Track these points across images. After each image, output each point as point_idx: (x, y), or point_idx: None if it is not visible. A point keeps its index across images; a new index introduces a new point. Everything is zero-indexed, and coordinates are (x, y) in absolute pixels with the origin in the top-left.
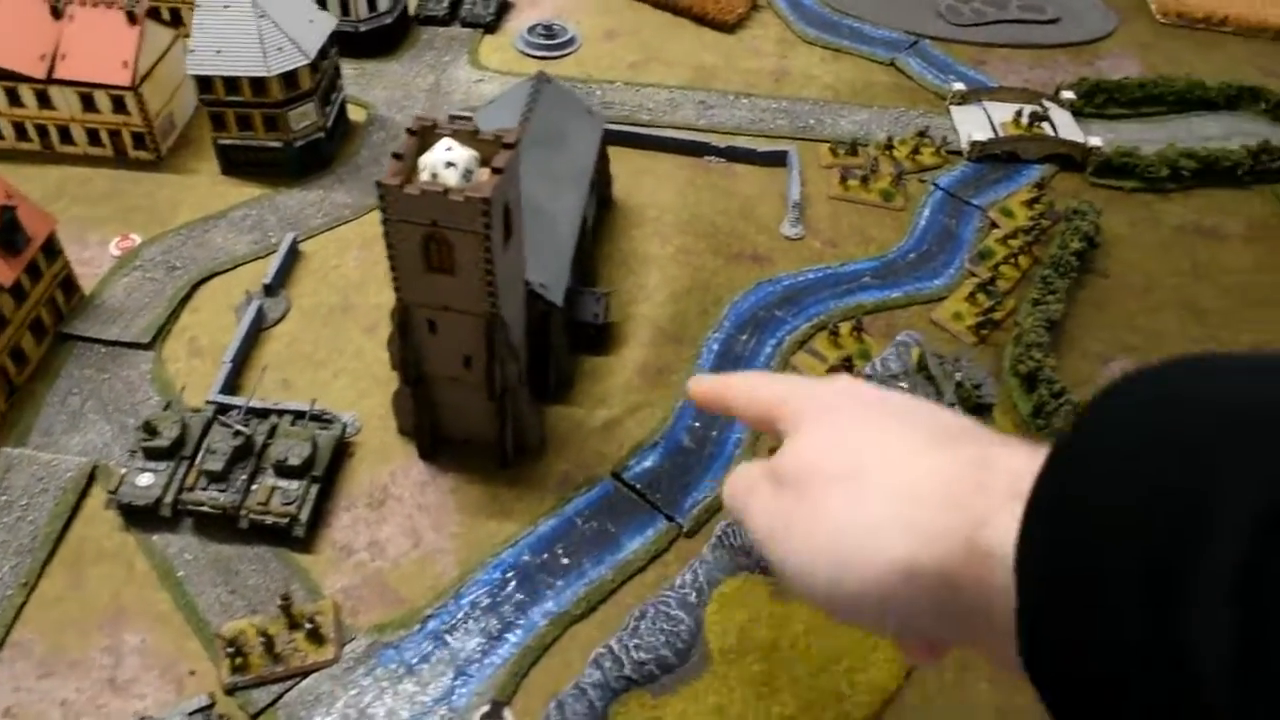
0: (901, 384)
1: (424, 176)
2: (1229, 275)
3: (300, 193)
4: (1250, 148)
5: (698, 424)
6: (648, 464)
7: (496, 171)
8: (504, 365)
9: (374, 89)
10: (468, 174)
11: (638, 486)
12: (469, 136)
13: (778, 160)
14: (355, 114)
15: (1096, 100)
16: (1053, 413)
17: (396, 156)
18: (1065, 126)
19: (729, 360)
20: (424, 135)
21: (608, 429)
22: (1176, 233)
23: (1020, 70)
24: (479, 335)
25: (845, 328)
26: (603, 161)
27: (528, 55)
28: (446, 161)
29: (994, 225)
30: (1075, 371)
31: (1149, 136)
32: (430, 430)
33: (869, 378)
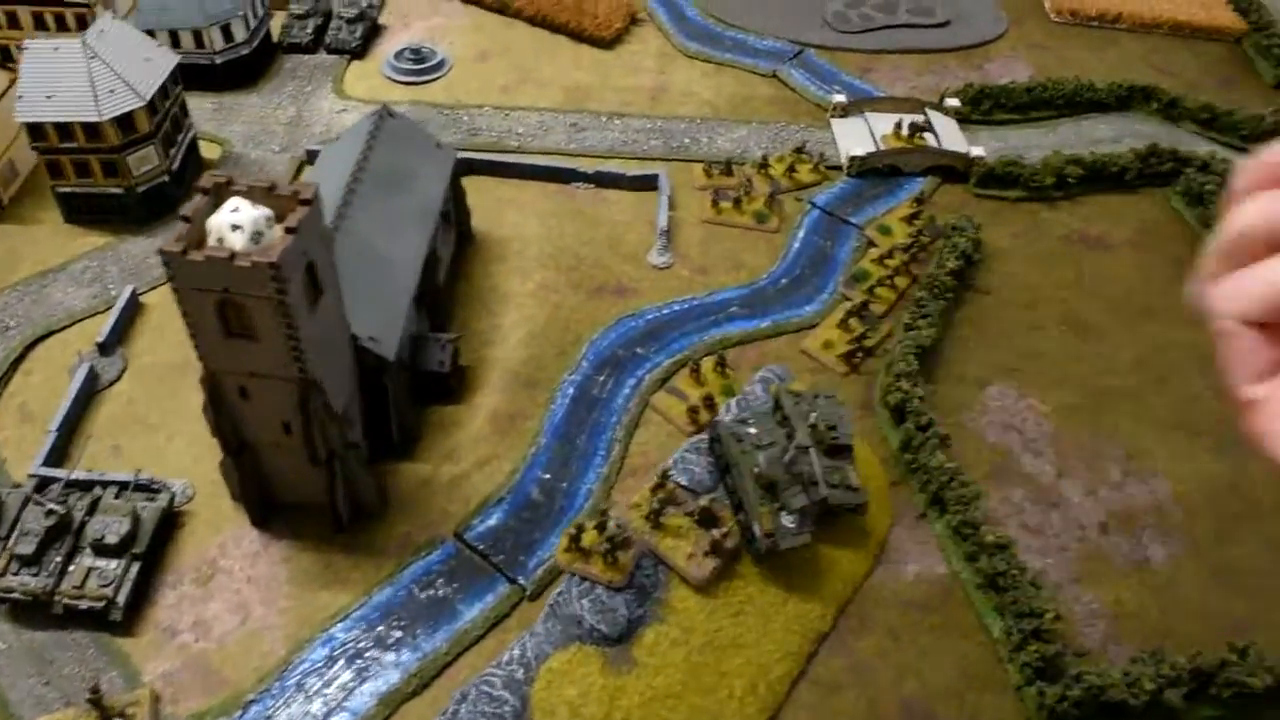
0: (750, 428)
1: (211, 240)
2: (1114, 285)
3: (145, 240)
4: (1138, 151)
5: (547, 475)
6: (492, 522)
7: (290, 231)
8: (324, 429)
9: (232, 124)
10: (257, 236)
11: (480, 547)
12: (263, 194)
13: (648, 184)
14: (210, 151)
15: (983, 106)
16: (920, 446)
17: (184, 219)
18: (949, 135)
19: (584, 404)
20: (218, 193)
21: (454, 485)
22: (1062, 243)
23: (908, 77)
24: (293, 400)
25: (708, 363)
26: (457, 196)
27: (395, 81)
28: (232, 224)
29: (871, 244)
30: (951, 398)
31: (1038, 142)
32: (261, 497)
33: (717, 423)
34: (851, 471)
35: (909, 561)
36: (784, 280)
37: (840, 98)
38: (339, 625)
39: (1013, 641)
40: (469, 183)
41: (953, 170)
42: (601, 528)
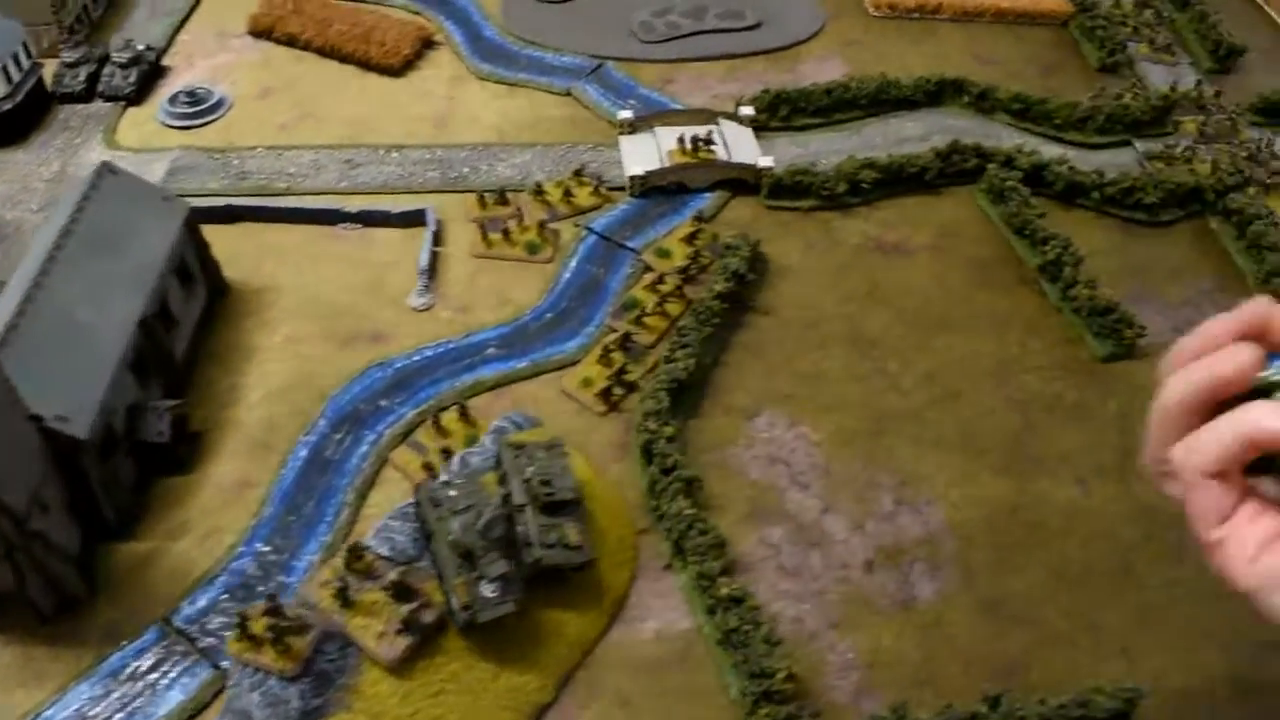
0: (451, 490)
1: None
2: (909, 296)
3: None
4: (939, 149)
5: (267, 548)
6: (202, 603)
7: None
8: None
9: None
10: None
11: (188, 631)
12: None
13: (417, 220)
14: None
15: (781, 112)
16: (663, 491)
17: None
18: (743, 146)
19: (317, 466)
20: None
21: (173, 564)
22: (856, 253)
23: (711, 86)
24: None
25: (450, 413)
26: (198, 249)
27: (170, 127)
28: None
29: (647, 269)
30: (714, 432)
31: (840, 146)
32: None
33: (419, 487)
34: (571, 528)
35: (649, 618)
36: (549, 315)
37: (627, 113)
38: None
39: (746, 704)
40: (231, 231)
41: (744, 183)
42: (273, 612)
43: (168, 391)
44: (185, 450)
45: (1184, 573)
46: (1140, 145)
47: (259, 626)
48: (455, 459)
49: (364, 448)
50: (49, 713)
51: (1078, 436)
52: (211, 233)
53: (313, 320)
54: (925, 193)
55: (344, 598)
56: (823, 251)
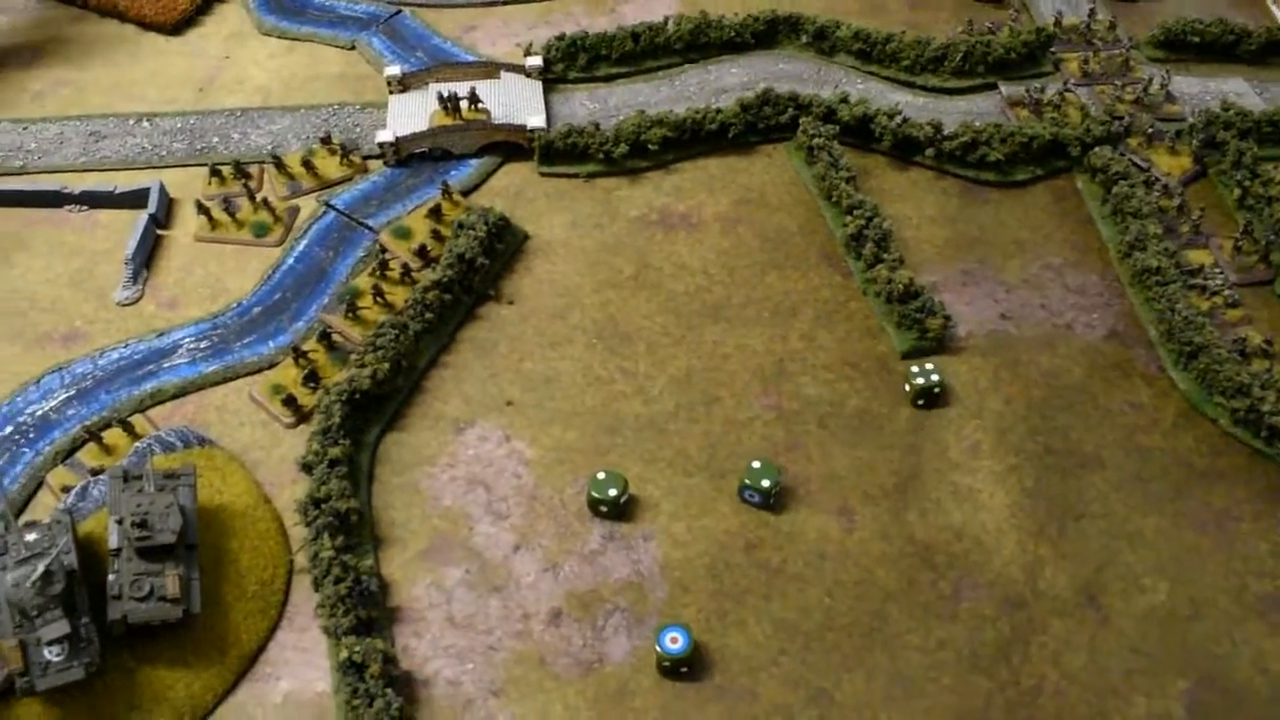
0: (31, 534)
1: None
2: (683, 279)
3: None
4: (745, 100)
5: None
6: None
7: None
8: None
9: None
10: None
11: None
12: None
13: (143, 200)
14: None
15: (579, 61)
16: (312, 524)
17: None
18: (521, 105)
19: None
20: None
21: None
22: (632, 228)
23: (517, 32)
24: None
25: (116, 428)
26: None
27: None
28: None
29: (383, 250)
30: (416, 449)
31: (647, 99)
32: None
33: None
34: (171, 577)
35: (283, 676)
36: (256, 309)
37: (394, 69)
38: None
39: None
40: None
41: (519, 148)
42: None
43: None
44: None
45: (953, 632)
46: (1005, 89)
47: None
48: (75, 489)
49: (19, 467)
50: None
51: (852, 454)
52: None
53: (3, 318)
54: (734, 153)
55: None
56: (594, 227)
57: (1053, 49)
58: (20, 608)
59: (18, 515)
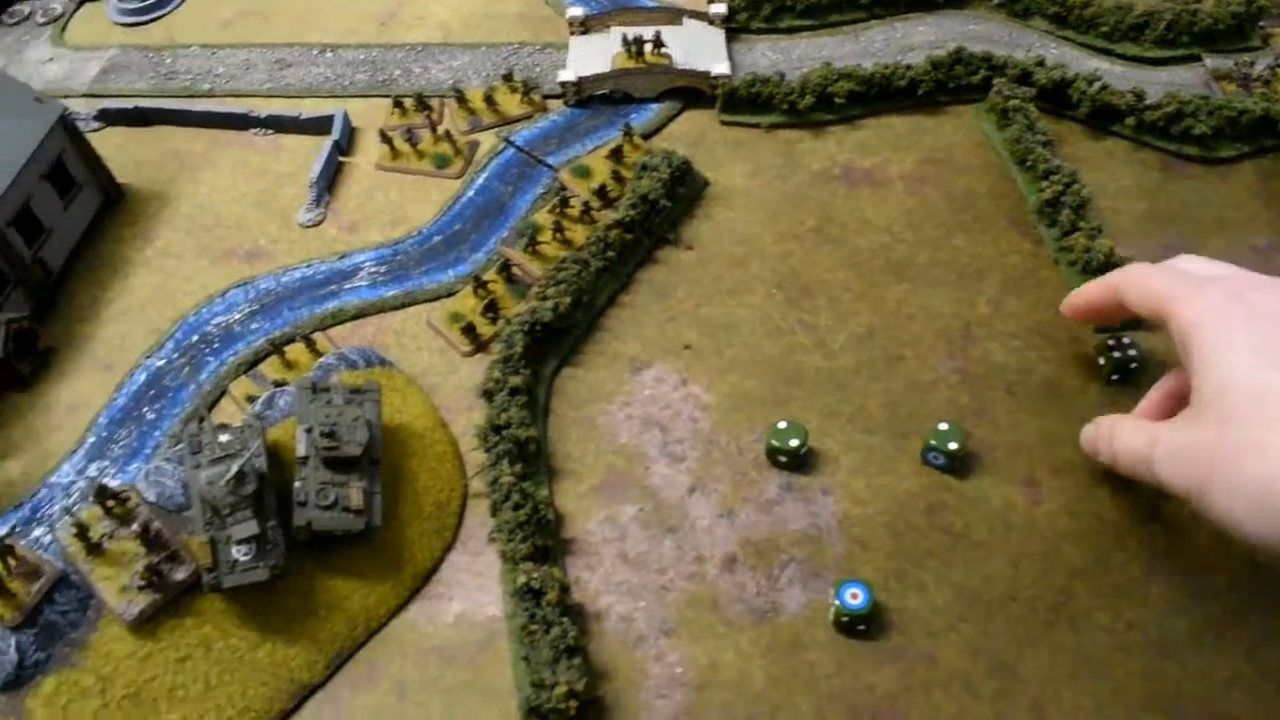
0: (224, 435)
1: None
2: (867, 234)
3: None
4: (937, 59)
5: (77, 477)
6: (3, 528)
7: None
8: None
9: None
10: None
11: None
12: None
13: (327, 127)
14: None
15: (763, 11)
16: (492, 449)
17: None
18: (705, 51)
19: (151, 394)
20: None
21: None
22: (815, 181)
23: None
24: None
25: (298, 343)
26: (85, 154)
27: (117, 23)
28: None
29: (562, 188)
30: (594, 385)
31: (832, 53)
32: None
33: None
34: (355, 489)
35: (455, 598)
36: (437, 238)
37: (577, 10)
38: None
39: (519, 718)
40: (144, 134)
41: (701, 94)
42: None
43: (36, 306)
44: (28, 367)
45: (1144, 615)
46: (1210, 61)
47: None
48: (262, 398)
49: (204, 374)
50: None
51: (1040, 425)
52: (122, 136)
53: (191, 233)
54: (921, 112)
55: (90, 544)
56: (775, 177)
57: (1261, 23)
58: (212, 505)
59: (200, 423)
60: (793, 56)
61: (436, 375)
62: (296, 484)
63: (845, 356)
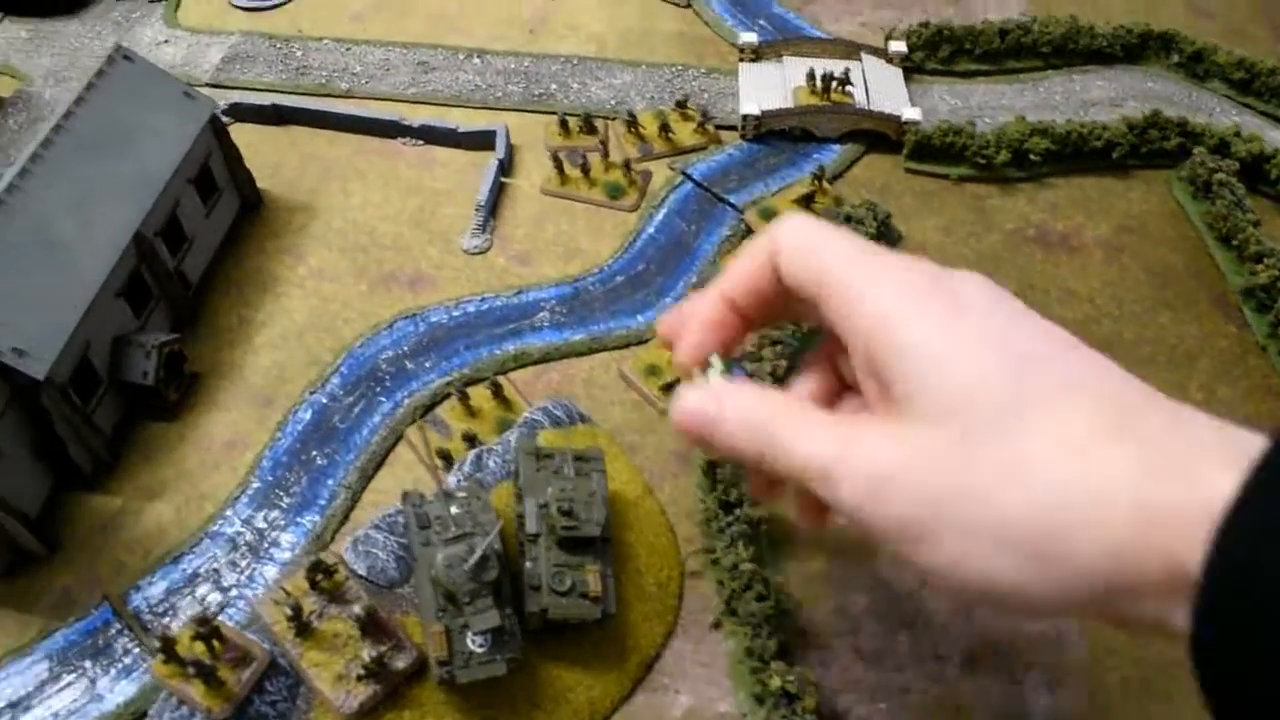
0: (453, 506)
1: None
2: (1071, 305)
3: None
4: (1133, 120)
5: (243, 529)
6: (159, 585)
7: None
8: None
9: (40, 55)
10: None
11: (141, 615)
12: None
13: (486, 142)
14: (4, 87)
15: (941, 53)
16: (721, 530)
17: None
18: (887, 91)
19: (321, 433)
20: None
21: (143, 528)
22: (1010, 241)
23: (860, 10)
24: None
25: (481, 388)
26: (228, 156)
27: (237, 7)
28: None
29: (749, 233)
30: None
31: (1011, 102)
32: None
33: (408, 495)
34: (593, 573)
35: (682, 689)
36: (620, 278)
37: (751, 37)
38: None
39: None
40: (278, 134)
41: (883, 137)
42: (206, 637)
43: (175, 321)
44: (175, 394)
45: None
46: None
47: (190, 649)
48: (468, 457)
49: (376, 418)
50: None
51: None
52: (254, 135)
53: (346, 252)
54: (1109, 174)
55: (300, 624)
56: (969, 234)
57: None
58: (448, 591)
59: (374, 473)
60: (971, 103)
61: (634, 433)
62: (528, 565)
63: None
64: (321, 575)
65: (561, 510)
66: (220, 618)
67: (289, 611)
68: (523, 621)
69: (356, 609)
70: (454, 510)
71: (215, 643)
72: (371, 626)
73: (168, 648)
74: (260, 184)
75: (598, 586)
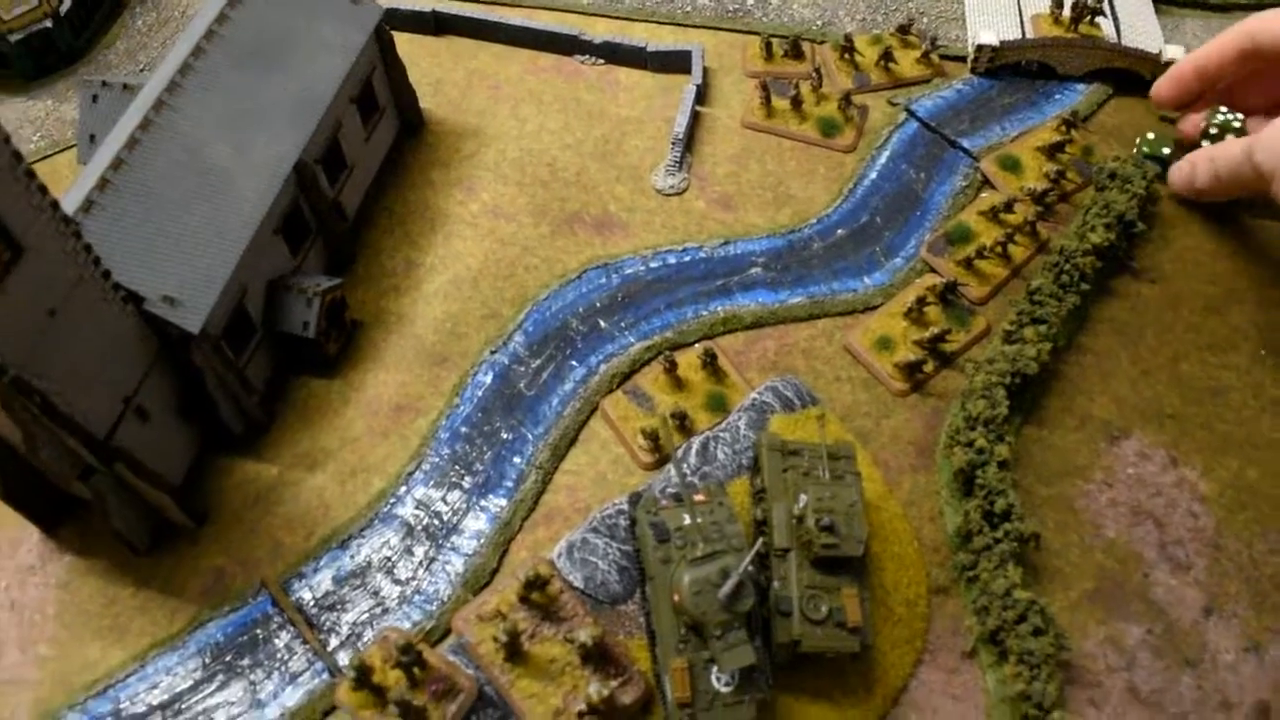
0: (684, 514)
1: None
2: None
3: (24, 103)
4: None
5: (420, 511)
6: (327, 575)
7: None
8: (52, 442)
9: None
10: None
11: (306, 609)
12: None
13: (678, 64)
14: None
15: None
16: (986, 547)
17: None
18: (1136, 22)
19: (503, 399)
20: None
21: (303, 503)
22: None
23: None
24: None
25: (690, 357)
26: (390, 72)
27: None
28: None
29: (986, 184)
30: (1059, 452)
31: None
32: (44, 494)
33: (640, 494)
34: (852, 598)
35: None
36: (841, 231)
37: None
38: (96, 699)
39: None
40: (435, 46)
41: (1134, 77)
42: (408, 666)
43: (330, 261)
44: (335, 346)
45: None
46: None
47: (390, 678)
48: (693, 443)
49: (569, 385)
50: (120, 687)
51: None
52: (412, 46)
53: (523, 186)
54: None
55: (512, 649)
56: (1233, 201)
57: None
58: (696, 621)
59: (566, 450)
60: None
61: (865, 418)
62: (775, 585)
63: None
64: (534, 587)
65: (820, 525)
66: (397, 624)
67: (503, 636)
68: (770, 654)
69: (583, 636)
70: (697, 520)
71: (418, 671)
72: (597, 656)
73: (363, 675)
74: (421, 104)
75: (856, 614)
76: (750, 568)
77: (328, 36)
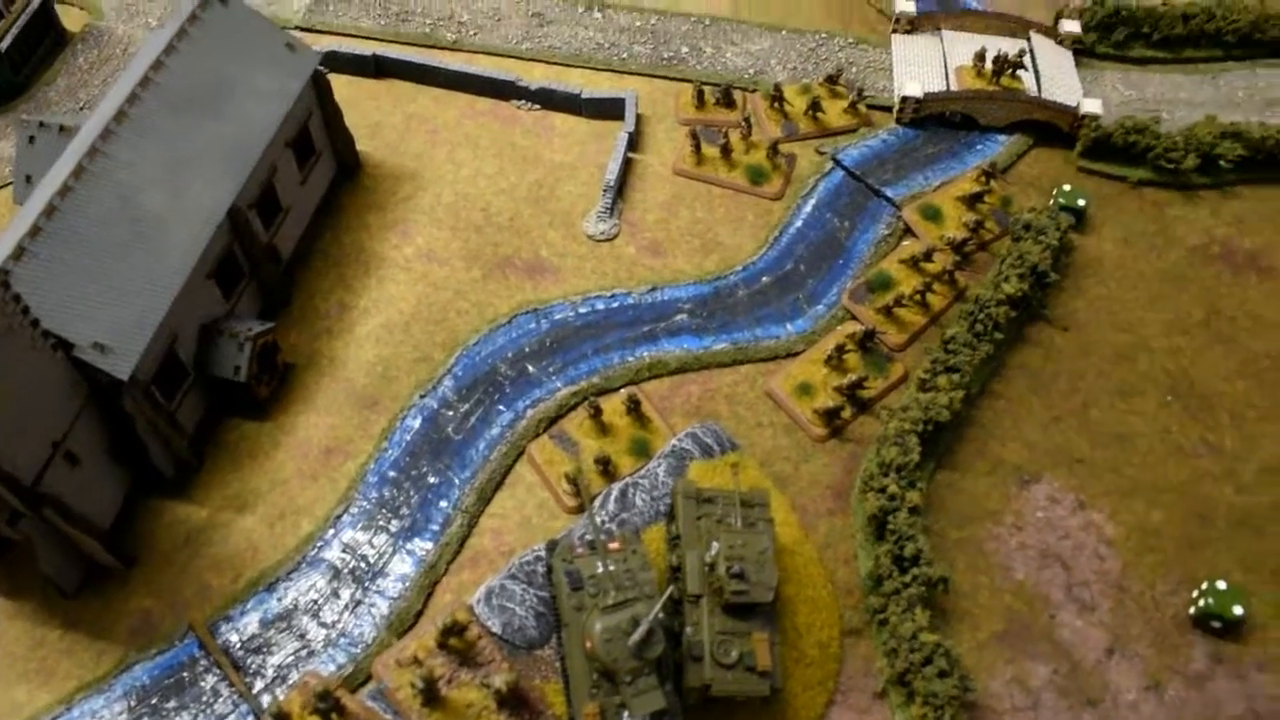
0: (599, 562)
1: None
2: (1263, 336)
3: None
4: None
5: (347, 555)
6: (253, 618)
7: None
8: None
9: None
10: None
11: (233, 652)
12: None
13: (612, 110)
14: (74, 21)
15: (1115, 36)
16: (896, 591)
17: None
18: (1058, 76)
19: (429, 446)
20: None
21: (231, 544)
22: (1194, 258)
23: None
24: None
25: (615, 402)
26: (327, 116)
27: None
28: None
29: (908, 232)
30: (972, 495)
31: (1190, 95)
32: None
33: (554, 543)
34: (762, 643)
35: None
36: (766, 278)
37: (909, 6)
38: None
39: None
40: (377, 88)
41: (1053, 129)
42: (325, 714)
43: (265, 303)
44: (267, 389)
45: None
46: None
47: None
48: (613, 490)
49: (496, 429)
50: None
51: None
52: (351, 89)
53: (457, 230)
54: None
55: (431, 693)
56: (1148, 248)
57: None
58: (607, 668)
59: (492, 494)
60: (1147, 95)
61: (785, 462)
62: (688, 629)
63: (1260, 492)
64: (452, 634)
65: (730, 572)
66: (321, 667)
67: (419, 683)
68: (682, 697)
69: (498, 682)
70: (610, 567)
71: (334, 716)
72: (512, 701)
73: (281, 718)
74: (359, 146)
75: (766, 658)
76: (660, 615)
77: (263, 84)
